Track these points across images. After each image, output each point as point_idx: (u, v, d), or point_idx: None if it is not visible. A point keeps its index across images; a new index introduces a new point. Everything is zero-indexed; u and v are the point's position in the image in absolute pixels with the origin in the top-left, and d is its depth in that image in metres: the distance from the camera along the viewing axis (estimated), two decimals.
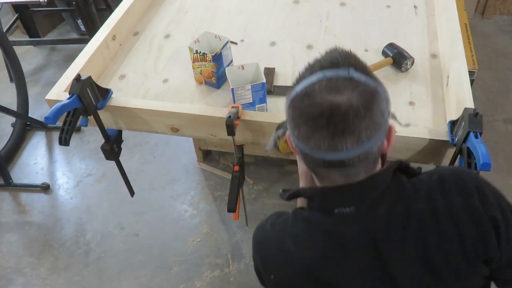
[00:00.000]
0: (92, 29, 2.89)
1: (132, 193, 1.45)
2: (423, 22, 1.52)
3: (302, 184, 1.01)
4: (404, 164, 0.76)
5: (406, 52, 1.33)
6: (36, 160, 2.49)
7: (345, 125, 0.65)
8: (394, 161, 0.76)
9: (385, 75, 1.32)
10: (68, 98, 1.06)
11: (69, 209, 2.23)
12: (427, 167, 0.87)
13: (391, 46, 1.35)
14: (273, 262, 0.83)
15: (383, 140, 0.71)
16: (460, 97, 1.12)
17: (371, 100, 0.67)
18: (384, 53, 1.36)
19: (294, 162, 2.29)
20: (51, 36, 3.48)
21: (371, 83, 0.68)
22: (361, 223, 0.73)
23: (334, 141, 0.66)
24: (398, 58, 1.31)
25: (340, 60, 0.69)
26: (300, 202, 0.97)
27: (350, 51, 0.73)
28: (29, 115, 2.64)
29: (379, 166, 0.76)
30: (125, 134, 1.31)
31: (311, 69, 0.71)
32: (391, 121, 0.74)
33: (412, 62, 1.32)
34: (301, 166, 1.03)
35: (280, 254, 0.80)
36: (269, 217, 0.89)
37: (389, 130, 0.73)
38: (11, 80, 2.88)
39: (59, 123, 1.10)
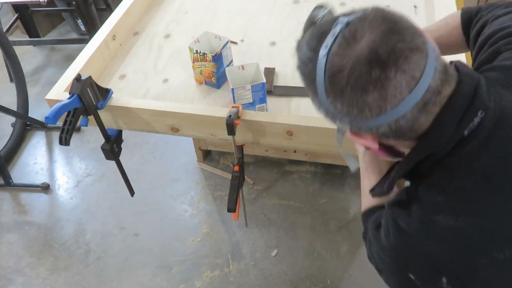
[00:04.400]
0: (92, 29, 2.89)
1: (132, 193, 1.45)
2: (423, 22, 1.51)
3: (374, 178, 0.86)
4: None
5: None
6: (36, 160, 2.50)
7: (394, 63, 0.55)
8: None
9: None
10: (68, 98, 1.06)
11: (69, 209, 2.23)
12: None
13: None
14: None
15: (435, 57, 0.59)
16: None
17: (392, 21, 0.58)
18: None
19: (294, 162, 2.30)
20: (51, 36, 3.48)
21: (375, 11, 0.61)
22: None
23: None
24: None
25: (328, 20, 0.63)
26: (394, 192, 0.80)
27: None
28: (29, 115, 2.65)
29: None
30: (125, 134, 1.31)
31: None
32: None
33: None
34: (368, 157, 0.90)
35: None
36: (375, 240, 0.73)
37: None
38: (11, 80, 2.88)
39: (59, 123, 1.10)
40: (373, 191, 0.77)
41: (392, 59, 0.55)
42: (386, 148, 0.69)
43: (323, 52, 0.59)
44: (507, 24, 0.76)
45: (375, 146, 0.66)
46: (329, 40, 0.59)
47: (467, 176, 0.62)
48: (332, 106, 0.61)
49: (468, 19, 0.88)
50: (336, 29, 0.59)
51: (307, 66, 0.63)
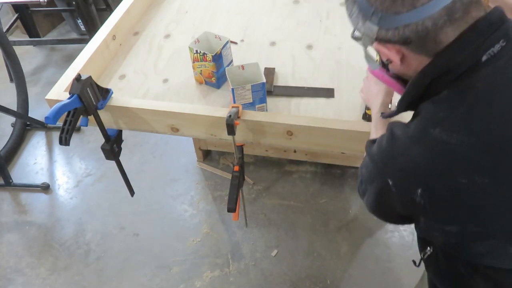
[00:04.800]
0: (92, 29, 2.89)
1: (132, 193, 1.45)
2: None
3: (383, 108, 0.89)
4: None
5: None
6: (36, 160, 2.50)
7: None
8: None
9: None
10: (68, 98, 1.06)
11: (69, 209, 2.23)
12: None
13: None
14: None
15: None
16: None
17: None
18: None
19: (294, 162, 2.30)
20: (51, 36, 3.48)
21: None
22: None
23: None
24: None
25: None
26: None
27: None
28: (29, 115, 2.65)
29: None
30: (125, 134, 1.31)
31: None
32: None
33: None
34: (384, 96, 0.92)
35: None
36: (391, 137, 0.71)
37: None
38: (11, 80, 2.88)
39: (59, 123, 1.10)
40: (384, 113, 0.80)
41: None
42: (398, 78, 0.76)
43: None
44: None
45: (397, 59, 0.70)
46: None
47: (477, 99, 0.64)
48: (366, 0, 0.65)
49: None
50: None
51: None
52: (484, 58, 0.64)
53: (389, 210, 0.75)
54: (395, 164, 0.68)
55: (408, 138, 0.67)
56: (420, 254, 0.85)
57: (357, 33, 0.74)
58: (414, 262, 0.92)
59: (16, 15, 3.18)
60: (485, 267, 0.73)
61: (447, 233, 0.69)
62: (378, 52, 0.72)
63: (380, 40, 0.68)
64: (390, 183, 0.68)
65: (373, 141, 0.77)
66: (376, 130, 0.90)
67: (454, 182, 0.63)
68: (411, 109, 0.75)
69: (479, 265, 0.73)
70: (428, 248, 0.81)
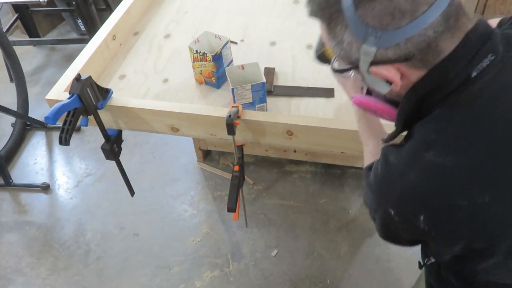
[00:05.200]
0: (92, 29, 2.89)
1: (132, 193, 1.45)
2: None
3: (374, 137, 0.87)
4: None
5: None
6: (36, 160, 2.50)
7: None
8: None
9: None
10: (68, 98, 1.06)
11: (69, 209, 2.23)
12: None
13: None
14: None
15: None
16: None
17: None
18: None
19: (294, 162, 2.30)
20: (51, 36, 3.48)
21: None
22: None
23: None
24: None
25: None
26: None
27: None
28: (29, 115, 2.65)
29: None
30: (125, 134, 1.31)
31: None
32: None
33: None
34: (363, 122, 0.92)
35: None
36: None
37: None
38: (11, 80, 2.88)
39: (59, 123, 1.10)
40: (384, 138, 0.77)
41: None
42: (391, 102, 0.72)
43: None
44: None
45: (397, 78, 0.66)
46: None
47: (466, 117, 0.63)
48: (360, 21, 0.60)
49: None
50: None
51: None
52: (474, 73, 0.62)
53: (398, 237, 0.74)
54: (393, 193, 0.66)
55: (402, 163, 0.66)
56: (422, 260, 0.85)
57: (339, 65, 0.71)
58: (420, 264, 0.91)
59: (16, 15, 3.18)
60: (488, 281, 0.72)
61: (454, 252, 0.69)
62: (375, 76, 0.67)
63: (378, 62, 0.64)
64: (392, 212, 0.67)
65: (370, 167, 0.75)
66: (367, 147, 0.89)
67: (455, 205, 0.62)
68: (406, 129, 0.73)
69: (482, 279, 0.73)
70: (431, 257, 0.81)
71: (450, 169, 0.62)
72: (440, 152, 0.62)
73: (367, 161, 0.86)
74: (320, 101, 1.25)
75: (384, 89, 0.69)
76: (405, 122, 0.71)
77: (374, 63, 0.64)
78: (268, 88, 1.26)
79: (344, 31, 0.64)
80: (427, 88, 0.65)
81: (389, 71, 0.65)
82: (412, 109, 0.69)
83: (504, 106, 0.62)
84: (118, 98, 1.21)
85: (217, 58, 1.25)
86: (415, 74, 0.66)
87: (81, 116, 1.13)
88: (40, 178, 2.38)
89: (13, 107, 2.50)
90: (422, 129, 0.67)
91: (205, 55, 1.24)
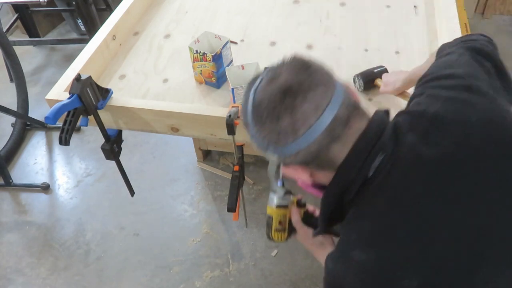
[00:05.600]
0: (92, 29, 2.89)
1: (132, 193, 1.45)
2: (423, 22, 1.52)
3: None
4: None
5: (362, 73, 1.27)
6: (36, 160, 2.50)
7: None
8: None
9: None
10: (68, 98, 1.06)
11: (69, 209, 2.23)
12: None
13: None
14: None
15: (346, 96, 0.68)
16: None
17: (305, 65, 0.69)
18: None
19: None
20: (51, 36, 3.48)
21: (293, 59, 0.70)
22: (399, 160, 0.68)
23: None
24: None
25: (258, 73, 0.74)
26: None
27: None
28: (29, 115, 2.65)
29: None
30: (125, 134, 1.31)
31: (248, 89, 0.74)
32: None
33: (361, 79, 1.25)
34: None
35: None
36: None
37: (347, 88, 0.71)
38: (11, 80, 2.88)
39: (59, 123, 1.10)
40: (314, 232, 0.85)
41: (301, 90, 0.65)
42: (316, 185, 0.77)
43: (252, 92, 0.70)
44: (434, 70, 0.81)
45: (307, 178, 0.73)
46: (256, 82, 0.71)
47: (374, 214, 0.68)
48: (260, 136, 0.69)
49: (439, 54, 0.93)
50: (263, 74, 0.72)
51: (244, 109, 0.72)
52: (370, 173, 0.68)
53: None
54: None
55: (338, 267, 0.69)
56: None
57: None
58: None
59: (16, 15, 3.18)
60: None
61: None
62: (287, 173, 0.75)
63: (285, 164, 0.73)
64: None
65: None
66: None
67: None
68: (333, 225, 0.79)
69: None
70: None
71: (374, 262, 0.65)
72: (363, 249, 0.66)
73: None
74: None
75: (300, 181, 0.77)
76: (329, 220, 0.78)
77: (283, 164, 0.74)
78: None
79: (251, 139, 0.73)
80: (335, 189, 0.72)
81: (296, 171, 0.73)
82: (332, 209, 0.75)
83: (402, 200, 0.66)
84: (118, 98, 1.21)
85: (217, 58, 1.25)
86: (323, 174, 0.73)
87: (81, 116, 1.13)
88: (40, 178, 2.38)
89: (13, 107, 2.50)
90: (344, 230, 0.73)
91: (205, 55, 1.24)
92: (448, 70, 0.78)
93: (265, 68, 0.74)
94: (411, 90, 0.97)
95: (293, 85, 0.65)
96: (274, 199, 1.04)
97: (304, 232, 1.02)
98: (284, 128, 0.66)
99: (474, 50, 0.82)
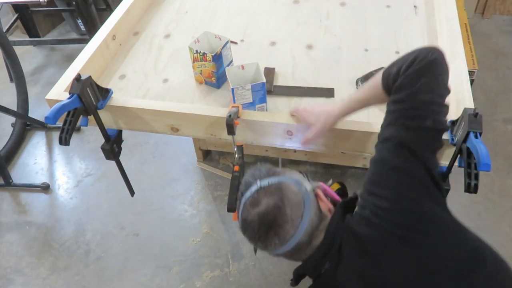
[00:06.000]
0: (92, 29, 2.89)
1: (132, 193, 1.45)
2: (423, 22, 1.52)
3: None
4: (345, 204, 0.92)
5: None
6: (36, 160, 2.50)
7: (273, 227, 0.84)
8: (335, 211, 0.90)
9: None
10: (68, 98, 1.06)
11: (69, 209, 2.23)
12: None
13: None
14: None
15: (313, 214, 0.87)
16: (460, 97, 1.12)
17: (280, 196, 0.85)
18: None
19: (294, 162, 2.30)
20: (51, 36, 3.48)
21: (274, 180, 0.87)
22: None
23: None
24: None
25: (251, 180, 0.90)
26: None
27: (259, 166, 0.93)
28: (29, 115, 2.65)
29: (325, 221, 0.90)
30: (125, 134, 1.31)
31: (238, 206, 0.91)
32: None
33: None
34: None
35: None
36: None
37: (317, 197, 0.91)
38: (11, 80, 2.88)
39: (59, 123, 1.10)
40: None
41: (272, 225, 0.84)
42: None
43: (242, 204, 0.89)
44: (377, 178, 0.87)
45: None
46: (247, 195, 0.88)
47: None
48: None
49: (387, 86, 0.92)
50: (252, 189, 0.88)
51: (238, 207, 0.92)
52: (322, 271, 0.86)
53: None
54: None
55: None
56: None
57: None
58: None
59: (16, 15, 3.18)
60: None
61: None
62: None
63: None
64: None
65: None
66: None
67: None
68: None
69: None
70: None
71: None
72: None
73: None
74: (320, 101, 1.25)
75: None
76: (298, 278, 0.96)
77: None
78: (268, 88, 1.26)
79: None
80: (300, 271, 0.93)
81: None
82: (298, 276, 0.95)
83: None
84: (118, 98, 1.21)
85: (217, 58, 1.25)
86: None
87: (81, 116, 1.13)
88: (40, 178, 2.38)
89: (13, 107, 2.50)
90: None
91: (205, 55, 1.24)
92: (383, 191, 0.83)
93: (254, 179, 0.90)
94: None
95: (267, 221, 0.84)
96: None
97: None
98: (262, 245, 0.87)
99: (407, 148, 0.83)
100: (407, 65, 0.86)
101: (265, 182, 0.87)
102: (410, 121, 0.83)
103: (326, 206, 0.91)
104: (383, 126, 0.88)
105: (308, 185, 0.91)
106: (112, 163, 1.32)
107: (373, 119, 1.19)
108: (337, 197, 0.98)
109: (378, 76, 0.94)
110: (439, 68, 0.86)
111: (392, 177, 0.83)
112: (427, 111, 0.84)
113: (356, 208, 0.88)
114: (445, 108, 0.87)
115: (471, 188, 0.90)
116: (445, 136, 1.04)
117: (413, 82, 0.84)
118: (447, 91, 0.88)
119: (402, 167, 0.82)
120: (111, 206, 2.22)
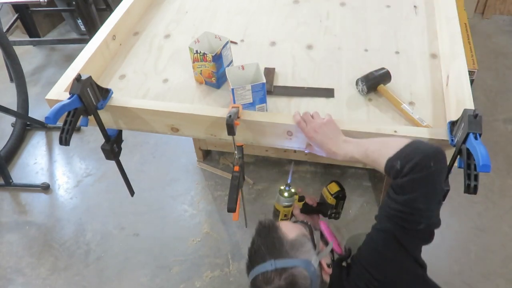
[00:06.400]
0: (92, 29, 2.89)
1: (132, 193, 1.45)
2: (423, 22, 1.52)
3: None
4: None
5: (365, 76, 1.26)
6: (36, 160, 2.50)
7: None
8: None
9: None
10: (69, 98, 1.06)
11: (69, 209, 2.23)
12: None
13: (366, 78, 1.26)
14: None
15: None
16: (460, 97, 1.12)
17: (292, 282, 0.94)
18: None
19: (294, 162, 2.30)
20: (51, 36, 3.48)
21: (292, 263, 0.97)
22: None
23: None
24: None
25: (266, 255, 0.98)
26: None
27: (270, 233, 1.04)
28: (29, 115, 2.65)
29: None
30: (125, 134, 1.31)
31: (250, 266, 1.01)
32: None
33: (365, 84, 1.23)
34: None
35: None
36: None
37: (320, 266, 1.02)
38: (11, 80, 2.88)
39: (59, 123, 1.10)
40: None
41: None
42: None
43: (256, 271, 0.99)
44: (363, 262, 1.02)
45: None
46: (260, 269, 0.98)
47: None
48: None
49: (388, 174, 0.95)
50: (266, 266, 0.97)
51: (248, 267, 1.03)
52: None
53: None
54: None
55: None
56: None
57: None
58: None
59: (16, 15, 3.18)
60: None
61: None
62: None
63: None
64: None
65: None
66: None
67: None
68: None
69: None
70: None
71: None
72: None
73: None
74: (320, 101, 1.25)
75: None
76: None
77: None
78: (268, 88, 1.26)
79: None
80: None
81: None
82: None
83: None
84: (118, 98, 1.21)
85: (217, 58, 1.25)
86: None
87: (81, 116, 1.13)
88: (40, 178, 2.38)
89: (13, 107, 2.50)
90: None
91: (205, 55, 1.24)
92: (376, 274, 0.97)
93: (268, 254, 0.99)
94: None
95: None
96: (283, 201, 1.37)
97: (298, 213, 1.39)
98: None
99: (400, 244, 0.95)
100: (410, 167, 0.88)
101: (280, 264, 0.96)
102: (406, 223, 0.93)
103: (327, 274, 1.04)
104: (382, 215, 0.98)
105: (315, 260, 1.00)
106: (112, 163, 1.32)
107: (373, 119, 1.19)
108: (331, 238, 1.20)
109: (382, 160, 0.94)
110: (438, 179, 0.90)
111: (385, 265, 0.98)
112: (422, 217, 0.91)
113: (353, 274, 1.02)
114: (439, 206, 0.94)
115: (470, 189, 0.90)
116: (445, 137, 1.05)
117: (413, 189, 0.89)
118: (443, 191, 0.95)
119: (395, 260, 0.97)
120: (111, 206, 2.22)
